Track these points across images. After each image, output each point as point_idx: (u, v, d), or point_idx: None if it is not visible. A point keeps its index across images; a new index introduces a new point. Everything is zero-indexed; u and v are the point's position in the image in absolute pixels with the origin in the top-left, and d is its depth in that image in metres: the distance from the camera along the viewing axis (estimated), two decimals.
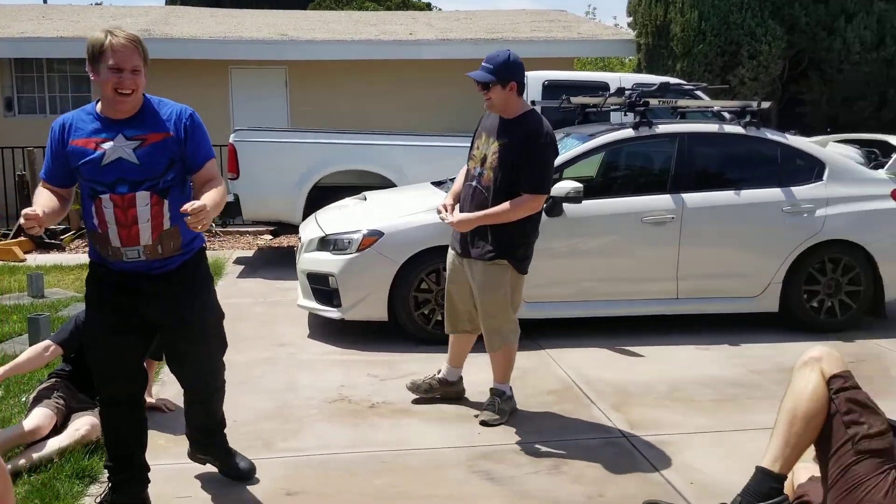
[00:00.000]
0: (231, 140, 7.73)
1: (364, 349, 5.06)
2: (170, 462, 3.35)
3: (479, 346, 4.01)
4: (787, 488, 2.58)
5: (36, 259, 8.45)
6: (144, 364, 3.03)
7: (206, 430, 3.17)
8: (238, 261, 8.42)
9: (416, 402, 4.10)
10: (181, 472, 3.27)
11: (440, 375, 4.13)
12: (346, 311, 5.14)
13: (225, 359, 3.11)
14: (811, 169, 5.55)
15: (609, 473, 3.32)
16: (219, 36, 12.09)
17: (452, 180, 4.31)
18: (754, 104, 5.75)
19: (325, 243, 5.29)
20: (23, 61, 12.18)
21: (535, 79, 8.19)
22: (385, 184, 7.68)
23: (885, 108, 11.92)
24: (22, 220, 2.51)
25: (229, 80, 12.42)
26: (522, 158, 3.61)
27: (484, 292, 3.75)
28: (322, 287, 5.26)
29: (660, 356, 4.96)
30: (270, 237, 9.55)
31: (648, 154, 5.98)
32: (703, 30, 11.78)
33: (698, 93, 7.65)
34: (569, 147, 5.60)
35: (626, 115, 6.14)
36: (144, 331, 2.86)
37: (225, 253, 8.90)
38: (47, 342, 3.72)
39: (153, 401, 3.87)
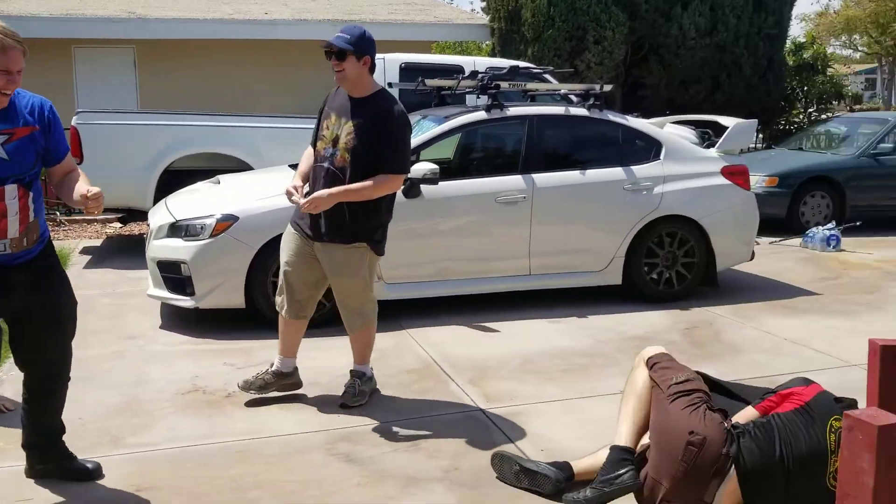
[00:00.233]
0: (73, 123, 7.28)
1: (220, 338, 4.94)
2: (10, 464, 3.17)
3: (336, 329, 4.01)
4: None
5: None
6: None
7: (48, 433, 3.04)
8: (85, 250, 7.98)
9: (249, 403, 3.85)
10: (21, 474, 3.10)
11: (273, 369, 3.91)
12: (200, 300, 5.01)
13: None
14: (650, 149, 5.90)
15: (465, 447, 3.43)
16: (61, 13, 11.32)
17: None
18: (598, 87, 6.05)
19: (176, 229, 5.12)
20: None
21: (393, 61, 8.21)
22: (240, 167, 7.48)
23: (719, 91, 12.77)
24: None
25: (73, 61, 11.68)
26: (379, 138, 3.60)
27: (343, 276, 3.75)
28: (174, 275, 5.09)
29: (514, 331, 5.15)
30: (119, 225, 9.10)
31: (501, 136, 6.16)
32: (552, 15, 12.18)
33: (547, 76, 7.93)
34: (425, 129, 5.67)
35: (479, 97, 6.29)
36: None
37: (70, 243, 8.41)
38: None
39: None
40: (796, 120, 14.94)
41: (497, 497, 2.99)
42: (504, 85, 5.94)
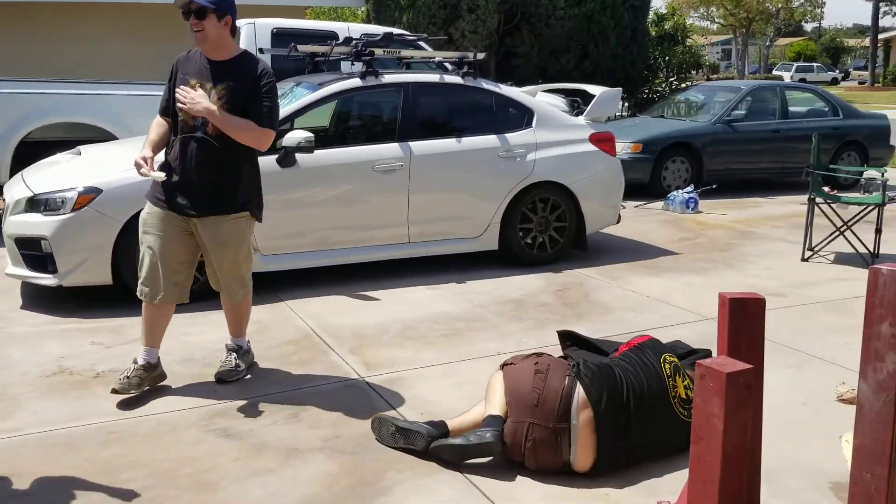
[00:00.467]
0: None
1: (86, 317, 4.72)
2: None
3: (209, 304, 3.90)
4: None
5: None
6: None
7: None
8: None
9: (122, 405, 3.51)
10: None
11: (142, 363, 3.61)
12: (63, 277, 4.75)
13: None
14: (522, 117, 6.04)
15: (346, 415, 3.46)
16: None
17: None
18: (471, 56, 6.11)
19: (35, 204, 4.82)
20: None
21: (264, 26, 7.98)
22: (104, 137, 7.11)
23: (587, 60, 13.20)
24: None
25: None
26: (250, 100, 3.47)
27: (230, 247, 3.61)
28: (34, 252, 4.80)
29: (394, 298, 5.19)
30: None
31: (377, 104, 6.14)
32: None
33: (421, 44, 7.93)
34: (299, 96, 5.57)
35: (353, 64, 6.22)
36: None
37: None
38: None
39: None
40: (659, 89, 15.65)
41: (377, 462, 3.04)
42: (378, 52, 5.90)
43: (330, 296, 5.22)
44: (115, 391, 3.51)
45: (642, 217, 8.24)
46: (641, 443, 2.97)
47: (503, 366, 3.15)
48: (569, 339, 3.49)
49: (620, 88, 6.97)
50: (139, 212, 4.68)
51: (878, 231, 6.27)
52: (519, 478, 2.92)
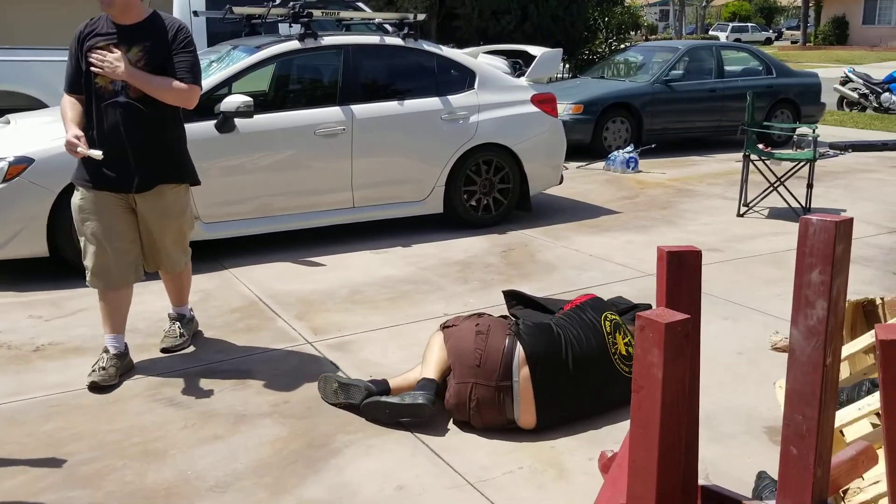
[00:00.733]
0: None
1: (23, 290, 4.59)
2: None
3: (149, 274, 3.80)
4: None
5: None
6: None
7: None
8: None
9: (94, 387, 3.33)
10: None
11: (114, 351, 3.47)
12: None
13: None
14: (464, 78, 6.03)
15: (295, 380, 3.46)
16: None
17: None
18: (412, 17, 6.04)
19: None
20: None
21: None
22: (33, 105, 6.84)
23: (527, 21, 13.17)
24: None
25: None
26: (170, 57, 3.33)
27: (174, 217, 3.50)
28: None
29: (340, 263, 5.18)
30: None
31: (317, 67, 6.03)
32: None
33: (360, 5, 7.81)
34: (236, 60, 5.44)
35: (291, 26, 6.09)
36: None
37: None
38: None
39: None
40: (599, 50, 15.74)
41: (327, 425, 3.06)
42: (317, 13, 5.78)
43: (274, 263, 5.18)
44: (95, 385, 3.32)
45: (584, 177, 8.34)
46: (583, 398, 3.04)
47: (443, 327, 3.18)
48: (514, 298, 3.54)
49: (561, 49, 6.99)
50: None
51: (810, 186, 6.48)
52: (467, 435, 2.98)
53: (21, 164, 4.59)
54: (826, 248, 1.86)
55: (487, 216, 6.08)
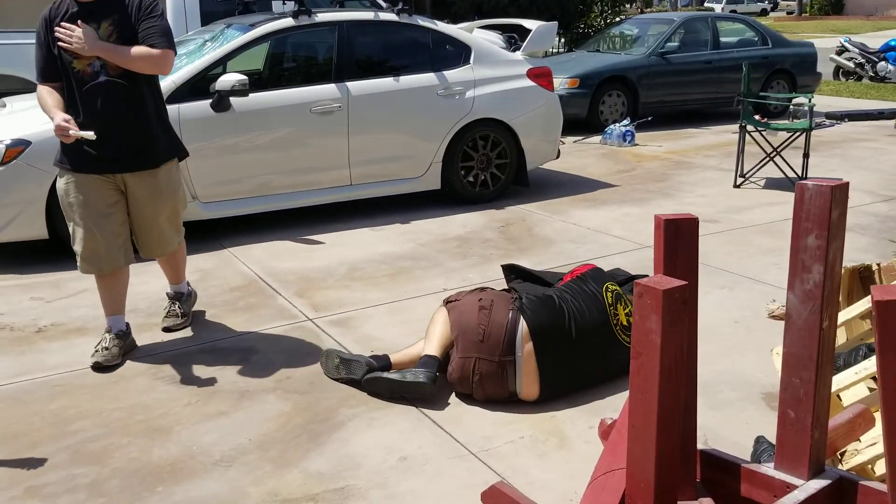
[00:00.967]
0: None
1: (23, 272, 4.61)
2: None
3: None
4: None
5: None
6: None
7: None
8: None
9: (97, 367, 3.36)
10: None
11: (115, 333, 3.49)
12: None
13: None
14: (459, 54, 6.00)
15: (296, 356, 3.49)
16: None
17: None
18: None
19: None
20: None
21: None
22: (29, 88, 6.80)
23: None
24: None
25: None
26: (140, 25, 3.23)
27: (168, 195, 3.45)
28: None
29: (338, 241, 5.19)
30: None
31: (311, 44, 6.01)
32: None
33: None
34: (230, 38, 5.42)
35: (285, 3, 6.06)
36: None
37: None
38: None
39: None
40: (594, 23, 15.65)
41: (330, 399, 3.09)
42: None
43: (273, 241, 5.19)
44: (98, 365, 3.35)
45: (581, 151, 8.34)
46: (585, 370, 3.07)
47: (446, 302, 3.20)
48: (513, 272, 3.56)
49: (556, 23, 6.95)
50: None
51: (806, 155, 6.48)
52: (468, 407, 3.01)
53: (18, 147, 4.58)
54: (822, 212, 1.88)
55: (485, 191, 6.09)
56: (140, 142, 3.34)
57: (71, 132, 3.08)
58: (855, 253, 4.67)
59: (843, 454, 2.30)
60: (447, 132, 5.83)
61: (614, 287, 3.24)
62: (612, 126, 8.79)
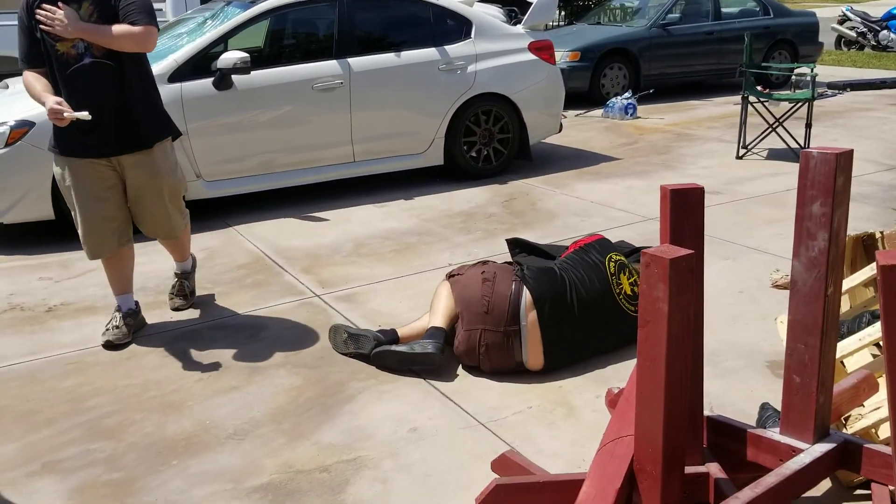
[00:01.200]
0: None
1: (32, 252, 4.64)
2: None
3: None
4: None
5: None
6: None
7: None
8: None
9: (108, 345, 3.41)
10: None
11: (124, 311, 3.52)
12: (2, 215, 4.63)
13: None
14: (460, 28, 5.98)
15: (305, 332, 3.52)
16: None
17: None
18: None
19: None
20: None
21: None
22: None
23: None
24: None
25: None
26: (121, 3, 3.17)
27: (167, 175, 3.42)
28: None
29: (343, 218, 5.21)
30: None
31: (312, 20, 5.99)
32: None
33: None
34: (231, 16, 5.41)
35: None
36: None
37: None
38: None
39: None
40: None
41: (340, 373, 3.13)
42: None
43: (278, 219, 5.22)
44: (109, 343, 3.39)
45: (583, 125, 8.32)
46: (589, 339, 3.11)
47: (449, 276, 3.24)
48: (517, 246, 3.59)
49: None
50: None
51: (809, 126, 6.47)
52: (476, 379, 3.05)
53: (22, 128, 4.59)
54: (827, 180, 1.90)
55: (488, 166, 6.10)
56: (127, 123, 3.28)
57: (66, 114, 3.04)
58: (858, 222, 4.69)
59: (847, 419, 2.34)
60: (449, 107, 5.82)
61: (618, 257, 3.27)
62: (613, 99, 8.77)
